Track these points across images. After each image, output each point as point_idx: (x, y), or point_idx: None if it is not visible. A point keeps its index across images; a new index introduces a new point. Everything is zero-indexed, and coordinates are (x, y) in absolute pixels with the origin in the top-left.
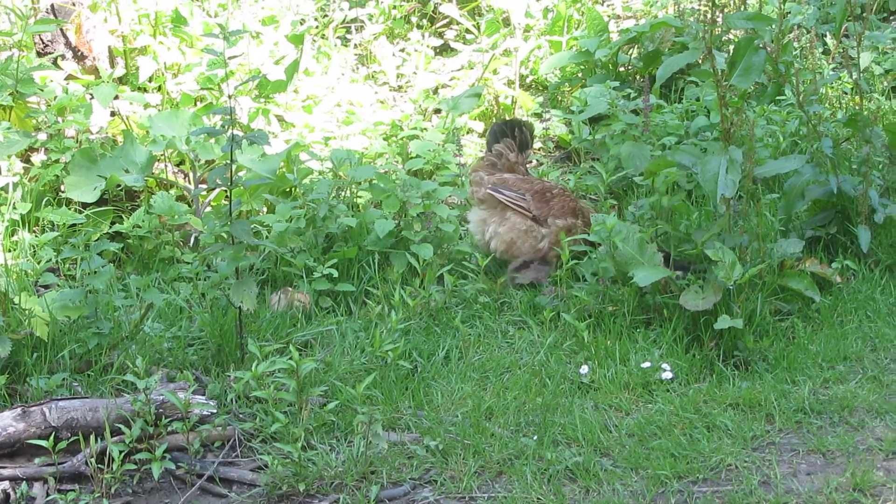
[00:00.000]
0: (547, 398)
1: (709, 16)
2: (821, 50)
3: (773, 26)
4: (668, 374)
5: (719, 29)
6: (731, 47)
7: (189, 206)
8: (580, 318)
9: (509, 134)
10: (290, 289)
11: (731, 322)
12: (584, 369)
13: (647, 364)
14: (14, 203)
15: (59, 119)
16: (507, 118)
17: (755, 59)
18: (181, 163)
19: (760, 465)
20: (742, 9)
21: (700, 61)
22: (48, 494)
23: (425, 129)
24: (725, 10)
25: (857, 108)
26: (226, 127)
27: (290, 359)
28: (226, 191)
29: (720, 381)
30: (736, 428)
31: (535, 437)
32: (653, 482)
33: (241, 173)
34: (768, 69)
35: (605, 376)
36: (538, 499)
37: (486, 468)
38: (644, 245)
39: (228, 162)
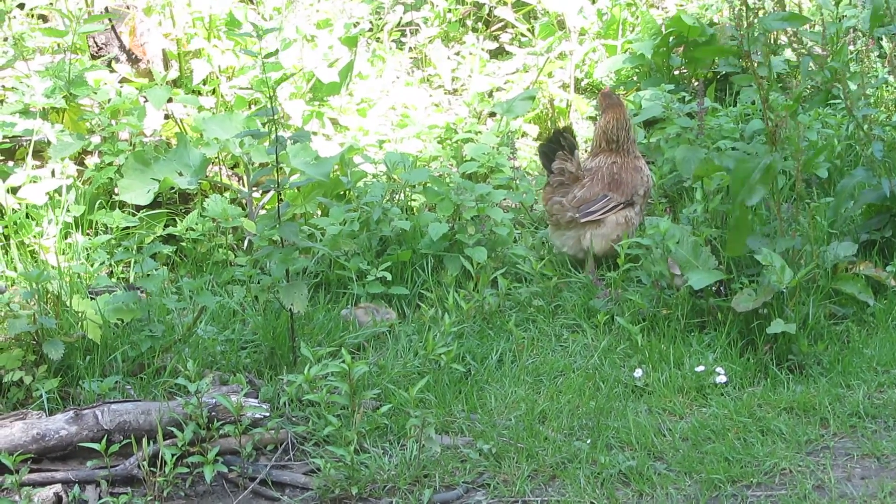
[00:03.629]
0: (600, 402)
1: (745, 18)
2: (876, 53)
3: (809, 26)
4: (722, 378)
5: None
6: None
7: (243, 209)
8: (634, 322)
9: (558, 146)
10: (375, 306)
11: (785, 326)
12: (638, 373)
13: (701, 368)
14: (68, 206)
15: (113, 122)
16: (547, 136)
17: (801, 62)
18: (235, 166)
19: (815, 469)
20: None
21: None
22: (100, 497)
23: (479, 132)
24: (761, 13)
25: None
26: (270, 128)
27: (343, 362)
28: (277, 194)
29: (774, 385)
30: (790, 432)
31: (589, 441)
32: (706, 486)
33: (294, 177)
34: (819, 73)
35: (659, 380)
36: (591, 503)
37: (540, 472)
38: (698, 248)
39: (274, 163)
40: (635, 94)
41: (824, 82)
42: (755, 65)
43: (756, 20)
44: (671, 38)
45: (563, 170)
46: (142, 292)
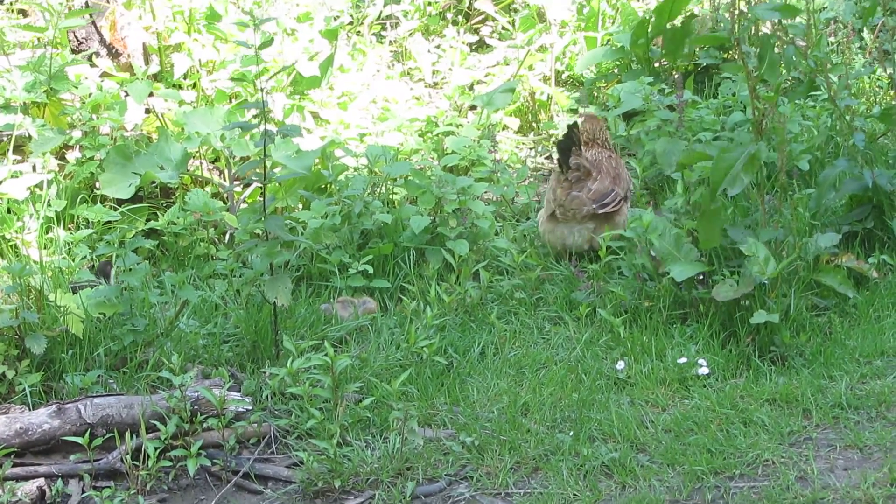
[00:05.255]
0: (583, 394)
1: (735, 6)
2: (857, 45)
3: (801, 19)
4: (704, 370)
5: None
6: None
7: (224, 202)
8: (616, 314)
9: (572, 142)
10: (352, 299)
11: (767, 317)
12: (621, 365)
13: (683, 360)
14: (49, 200)
15: (94, 116)
16: (562, 133)
17: (784, 52)
18: (216, 160)
19: (797, 460)
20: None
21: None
22: (83, 491)
23: (461, 125)
24: (753, 2)
25: (893, 102)
26: (258, 121)
27: (326, 355)
28: (261, 187)
29: (757, 377)
30: (773, 423)
31: (571, 433)
32: (689, 478)
33: (276, 170)
34: (801, 63)
35: (642, 372)
36: (574, 495)
37: (522, 464)
38: (680, 240)
39: (262, 156)
40: (615, 87)
41: (807, 73)
42: (743, 55)
43: (747, 9)
44: (650, 28)
45: (580, 165)
46: (110, 273)
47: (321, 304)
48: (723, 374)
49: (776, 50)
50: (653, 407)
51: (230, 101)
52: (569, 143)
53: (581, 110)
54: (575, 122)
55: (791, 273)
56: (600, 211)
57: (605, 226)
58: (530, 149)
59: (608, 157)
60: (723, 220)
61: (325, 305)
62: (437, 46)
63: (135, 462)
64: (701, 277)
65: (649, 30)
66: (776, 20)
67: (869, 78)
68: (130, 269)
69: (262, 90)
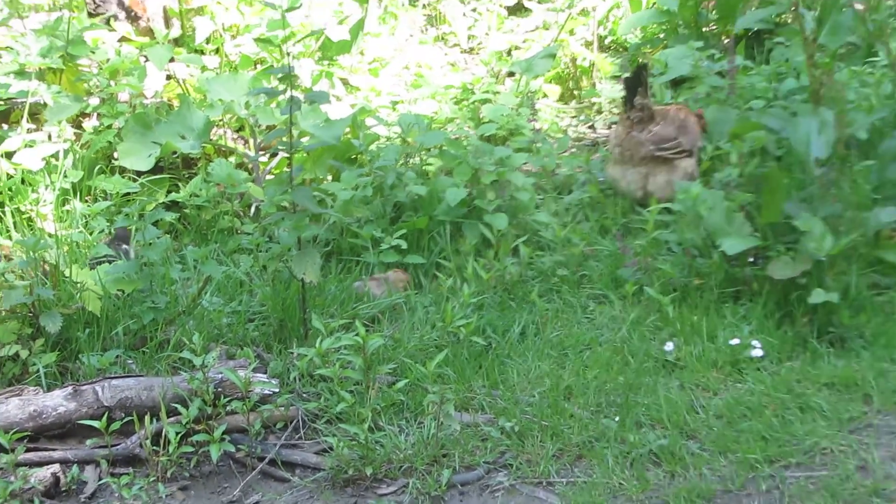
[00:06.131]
0: (629, 377)
1: None
2: None
3: None
4: (758, 352)
5: None
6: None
7: (249, 173)
8: (664, 292)
9: (639, 82)
10: (387, 275)
11: (826, 296)
12: (669, 346)
13: (735, 341)
14: (65, 171)
15: (112, 83)
16: (632, 69)
17: (843, 17)
18: (240, 128)
19: (857, 448)
20: None
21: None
22: (100, 478)
23: (498, 92)
24: None
25: None
26: (285, 88)
27: (357, 335)
28: (287, 157)
29: (814, 359)
30: (831, 409)
31: (617, 419)
32: (742, 466)
33: (303, 139)
34: (859, 28)
35: (692, 354)
36: (620, 484)
37: (565, 451)
38: (731, 214)
39: (289, 125)
40: (661, 53)
41: (865, 38)
42: (800, 18)
43: None
44: None
45: (644, 106)
46: (128, 237)
47: (354, 282)
48: (778, 356)
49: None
50: (703, 391)
51: (255, 67)
52: (636, 82)
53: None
54: (645, 63)
55: (851, 249)
56: (657, 153)
57: (661, 174)
58: (572, 118)
59: (678, 109)
60: (787, 191)
61: (359, 283)
62: (473, 10)
63: (154, 447)
64: (754, 254)
65: None
66: None
67: None
68: (150, 244)
69: (288, 55)
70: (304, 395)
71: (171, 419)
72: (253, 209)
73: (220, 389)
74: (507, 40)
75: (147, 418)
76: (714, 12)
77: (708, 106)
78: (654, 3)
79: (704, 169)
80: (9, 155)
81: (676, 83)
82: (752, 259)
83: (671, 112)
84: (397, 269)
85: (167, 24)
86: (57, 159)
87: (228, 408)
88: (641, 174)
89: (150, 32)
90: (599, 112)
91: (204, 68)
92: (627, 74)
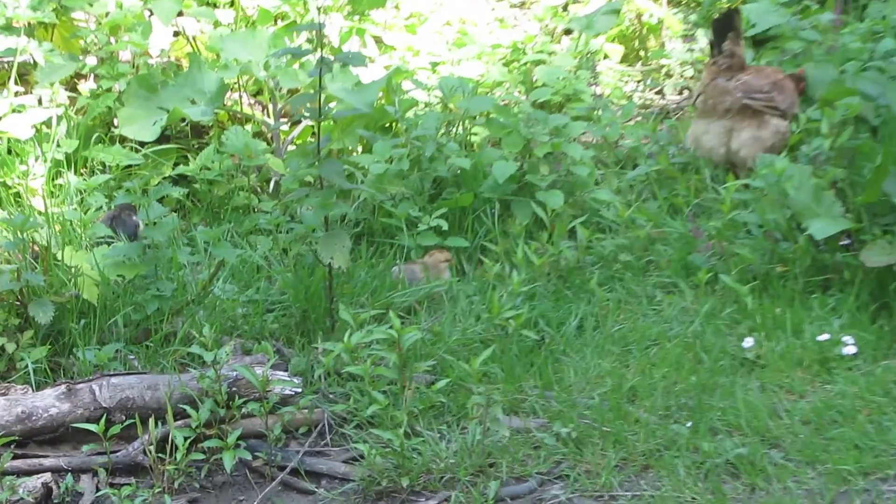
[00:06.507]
0: (703, 377)
1: None
2: None
3: None
4: (850, 349)
5: None
6: None
7: (268, 144)
8: (742, 281)
9: (729, 27)
10: (426, 260)
11: None
12: (748, 342)
13: (824, 336)
14: (58, 140)
15: (112, 40)
16: (722, 11)
17: None
18: (258, 92)
19: None
20: None
21: None
22: (98, 489)
23: (553, 52)
24: None
25: None
26: (313, 47)
27: (391, 327)
28: (312, 125)
29: None
30: None
31: (689, 424)
32: (832, 479)
33: (331, 105)
34: None
35: (774, 351)
36: (693, 499)
37: (629, 461)
38: (820, 192)
39: (317, 89)
40: (743, 7)
41: None
42: None
43: None
44: None
45: (734, 52)
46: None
47: (391, 267)
48: (873, 354)
49: None
50: (788, 393)
51: (276, 23)
52: (726, 26)
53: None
54: (737, 7)
55: None
56: (746, 100)
57: (748, 129)
58: (637, 82)
59: (773, 70)
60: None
61: (396, 268)
62: None
63: (160, 454)
64: (846, 238)
65: None
66: None
67: None
68: (155, 223)
69: (318, 9)
70: (331, 395)
71: (179, 422)
72: (272, 184)
73: (234, 389)
74: None
75: (151, 421)
76: None
77: (800, 67)
78: None
79: (792, 143)
80: None
81: (758, 43)
82: (843, 243)
83: (766, 69)
84: (437, 249)
85: None
86: (49, 127)
87: (244, 410)
88: (725, 128)
89: None
90: (669, 76)
91: (217, 24)
92: (716, 16)
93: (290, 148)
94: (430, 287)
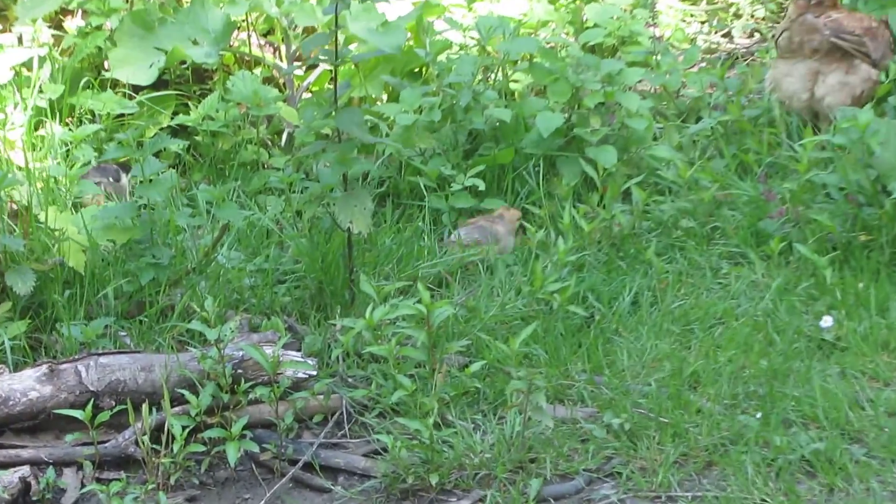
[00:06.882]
0: (775, 361)
1: None
2: None
3: None
4: None
5: None
6: None
7: (281, 91)
8: (821, 251)
9: None
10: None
11: None
12: (827, 322)
13: None
14: (40, 85)
15: None
16: None
17: None
18: (269, 32)
19: None
20: None
21: None
22: (83, 485)
23: None
24: None
25: None
26: None
27: (419, 301)
28: (330, 70)
29: None
30: None
31: (759, 415)
32: None
33: (351, 46)
34: None
35: (856, 332)
36: (762, 500)
37: (690, 457)
38: None
39: (333, 28)
40: None
41: None
42: None
43: None
44: None
45: None
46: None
47: (447, 235)
48: None
49: None
50: (872, 380)
51: None
52: None
53: None
54: None
55: None
56: (834, 39)
57: (836, 72)
58: (702, 23)
59: (869, 16)
60: None
61: (461, 231)
62: None
63: (154, 446)
64: None
65: None
66: None
67: None
68: (151, 181)
69: None
70: (350, 379)
71: (176, 409)
72: (285, 137)
73: (239, 371)
74: None
75: (145, 408)
76: None
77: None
78: None
79: (880, 95)
80: None
81: None
82: None
83: (859, 13)
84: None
85: None
86: (30, 69)
87: (251, 395)
88: (811, 70)
89: None
90: (738, 16)
91: None
92: None
93: (305, 96)
94: (463, 255)
